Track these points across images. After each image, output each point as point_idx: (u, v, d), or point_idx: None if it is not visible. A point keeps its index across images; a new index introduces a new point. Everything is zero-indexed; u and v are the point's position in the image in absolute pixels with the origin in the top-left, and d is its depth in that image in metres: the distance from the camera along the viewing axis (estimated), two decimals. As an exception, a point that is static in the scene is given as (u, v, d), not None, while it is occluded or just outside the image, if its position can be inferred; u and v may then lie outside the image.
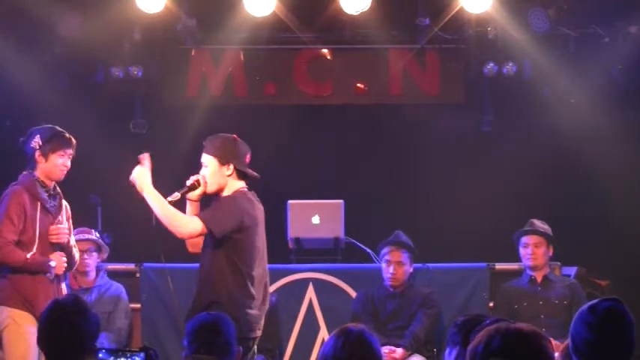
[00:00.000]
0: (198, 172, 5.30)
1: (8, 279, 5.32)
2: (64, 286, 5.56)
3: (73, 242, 5.66)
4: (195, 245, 5.37)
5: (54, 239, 5.40)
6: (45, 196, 5.41)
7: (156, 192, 5.09)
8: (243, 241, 5.17)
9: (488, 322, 3.25)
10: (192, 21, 7.84)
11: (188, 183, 5.24)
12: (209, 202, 5.32)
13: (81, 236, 6.69)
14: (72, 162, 5.56)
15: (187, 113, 8.28)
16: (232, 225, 5.12)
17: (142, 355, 3.91)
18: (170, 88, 8.57)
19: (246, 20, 7.71)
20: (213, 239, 5.16)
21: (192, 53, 8.48)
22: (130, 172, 5.13)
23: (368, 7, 7.45)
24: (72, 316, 3.69)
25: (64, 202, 5.61)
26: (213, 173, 5.25)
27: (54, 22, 7.63)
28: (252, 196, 5.30)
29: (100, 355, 4.24)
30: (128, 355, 5.15)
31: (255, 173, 5.32)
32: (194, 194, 5.26)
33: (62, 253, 5.44)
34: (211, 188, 5.26)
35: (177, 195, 5.17)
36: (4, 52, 7.64)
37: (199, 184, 5.24)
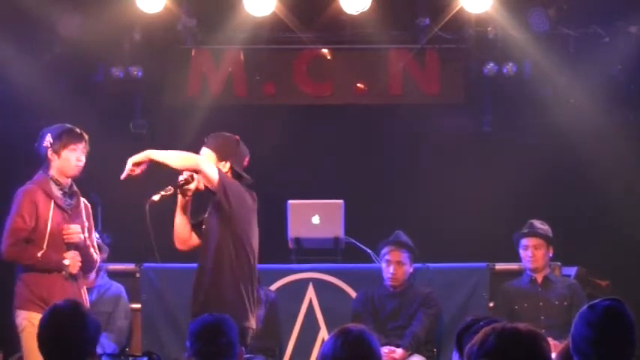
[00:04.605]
0: None
1: (23, 281, 5.30)
2: (84, 288, 5.52)
3: (94, 242, 5.59)
4: (183, 242, 5.32)
5: (66, 239, 5.34)
6: (59, 194, 5.38)
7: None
8: (242, 232, 5.13)
9: (482, 324, 3.25)
10: (192, 21, 7.84)
11: (181, 178, 5.19)
12: (200, 203, 5.27)
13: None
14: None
15: (187, 113, 8.28)
16: (237, 197, 5.09)
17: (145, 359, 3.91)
18: (170, 88, 8.57)
19: (246, 20, 7.72)
20: (213, 232, 5.13)
21: (192, 53, 8.47)
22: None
23: (368, 7, 7.45)
24: (70, 323, 3.66)
25: (83, 200, 5.56)
26: None
27: (54, 22, 7.63)
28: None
29: (103, 360, 4.24)
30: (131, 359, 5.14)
31: (248, 177, 5.29)
32: (187, 190, 5.21)
33: (77, 252, 5.37)
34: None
35: (170, 188, 5.12)
36: (4, 52, 7.63)
37: (193, 179, 5.18)
